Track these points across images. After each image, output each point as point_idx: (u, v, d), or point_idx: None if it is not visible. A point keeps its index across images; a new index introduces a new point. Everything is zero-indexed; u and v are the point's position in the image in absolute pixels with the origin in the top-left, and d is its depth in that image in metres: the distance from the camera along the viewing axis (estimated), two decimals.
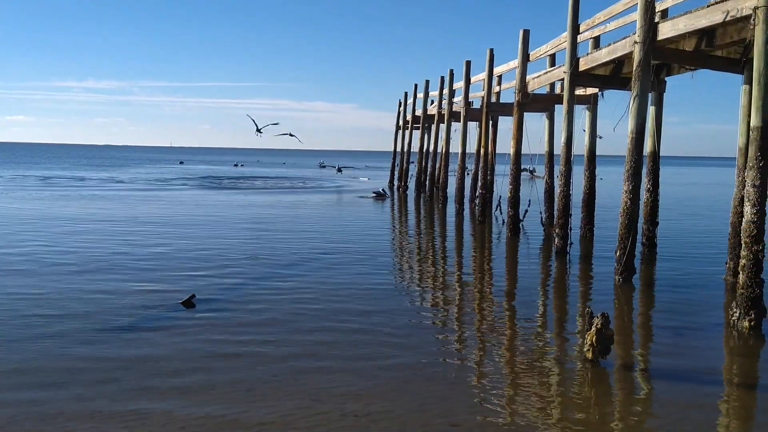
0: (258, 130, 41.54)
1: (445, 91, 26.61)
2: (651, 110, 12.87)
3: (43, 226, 17.12)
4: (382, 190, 32.70)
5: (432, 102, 31.13)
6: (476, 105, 23.98)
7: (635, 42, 10.56)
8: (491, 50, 20.36)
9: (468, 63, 22.87)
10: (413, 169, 36.23)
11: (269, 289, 10.04)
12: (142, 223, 18.31)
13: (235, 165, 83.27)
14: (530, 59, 16.52)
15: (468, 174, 24.73)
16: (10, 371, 6.23)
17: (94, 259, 12.21)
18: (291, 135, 38.80)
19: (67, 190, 32.07)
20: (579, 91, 15.37)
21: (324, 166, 76.47)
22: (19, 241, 14.17)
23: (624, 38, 11.39)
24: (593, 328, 6.60)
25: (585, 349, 6.78)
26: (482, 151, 22.04)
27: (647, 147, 12.84)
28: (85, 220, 18.72)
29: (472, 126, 24.16)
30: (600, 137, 18.44)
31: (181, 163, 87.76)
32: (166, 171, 60.53)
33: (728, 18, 8.75)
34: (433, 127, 29.15)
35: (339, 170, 60.78)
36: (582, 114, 16.40)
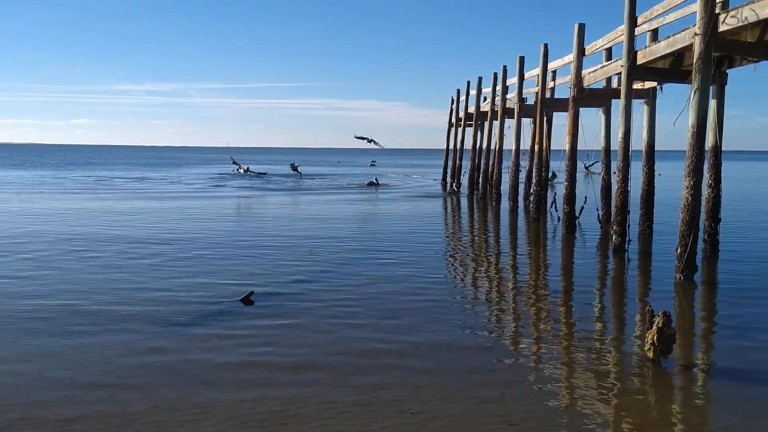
0: (247, 170, 44.62)
1: (498, 87, 26.37)
2: (712, 103, 12.52)
3: (101, 231, 17.66)
4: (454, 187, 34.08)
5: (485, 99, 30.90)
6: (530, 101, 23.74)
7: (695, 34, 10.30)
8: (545, 45, 20.14)
9: (521, 59, 22.64)
10: (465, 167, 36.12)
11: (327, 287, 10.14)
12: (198, 222, 18.73)
13: (292, 165, 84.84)
14: (586, 54, 16.27)
15: (521, 171, 24.49)
16: (77, 363, 6.47)
17: (152, 258, 12.55)
18: (370, 140, 43.59)
19: (132, 193, 33.03)
20: (637, 85, 15.05)
21: (374, 164, 77.26)
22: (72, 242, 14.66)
23: (683, 30, 11.11)
24: (654, 327, 6.48)
25: (646, 349, 6.66)
26: (536, 147, 21.81)
27: (708, 141, 12.49)
28: (148, 223, 19.25)
29: (526, 122, 23.90)
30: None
31: (234, 162, 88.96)
32: (222, 171, 61.53)
33: None
34: (486, 124, 28.93)
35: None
36: (640, 108, 16.07)
